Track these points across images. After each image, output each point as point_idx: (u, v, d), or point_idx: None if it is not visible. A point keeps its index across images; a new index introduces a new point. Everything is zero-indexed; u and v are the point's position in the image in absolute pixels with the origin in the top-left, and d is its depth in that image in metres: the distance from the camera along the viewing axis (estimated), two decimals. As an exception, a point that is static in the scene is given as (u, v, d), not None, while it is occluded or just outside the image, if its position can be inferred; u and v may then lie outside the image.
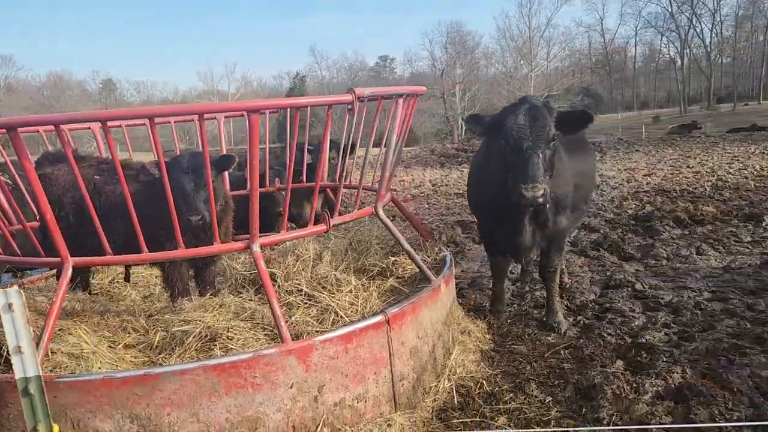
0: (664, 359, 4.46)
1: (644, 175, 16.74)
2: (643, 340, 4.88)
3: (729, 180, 14.29)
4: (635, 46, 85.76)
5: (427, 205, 13.88)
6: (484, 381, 4.29)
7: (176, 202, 3.72)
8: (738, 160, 19.12)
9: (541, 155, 4.23)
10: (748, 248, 7.60)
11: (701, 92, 75.74)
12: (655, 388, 4.04)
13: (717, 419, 3.61)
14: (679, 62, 75.45)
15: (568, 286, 6.50)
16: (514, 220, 4.83)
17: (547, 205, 4.88)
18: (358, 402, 3.60)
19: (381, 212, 4.37)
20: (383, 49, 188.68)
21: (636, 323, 5.37)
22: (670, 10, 72.82)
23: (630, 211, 10.55)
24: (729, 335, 4.91)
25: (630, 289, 6.26)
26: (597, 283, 6.63)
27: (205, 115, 3.64)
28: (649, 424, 3.61)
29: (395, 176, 21.80)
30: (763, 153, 20.79)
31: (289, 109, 5.14)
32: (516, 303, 6.15)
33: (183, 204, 3.85)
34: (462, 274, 7.46)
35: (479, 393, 4.18)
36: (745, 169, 16.29)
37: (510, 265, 5.87)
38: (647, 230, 8.71)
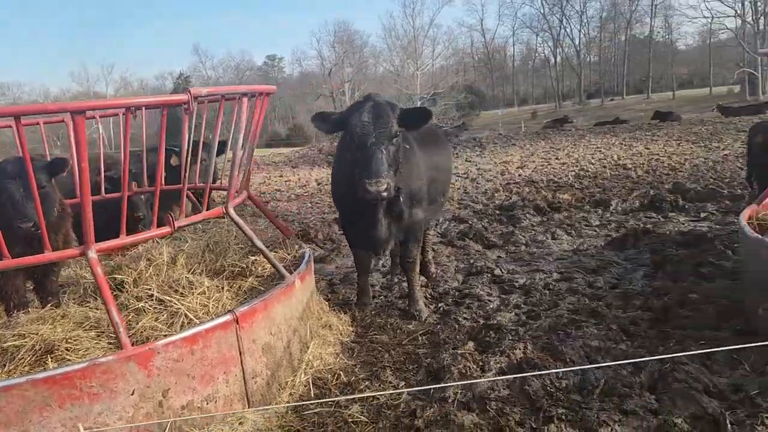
0: (510, 338, 4.79)
1: (517, 168, 17.71)
2: (494, 322, 5.20)
3: (589, 169, 15.46)
4: (513, 45, 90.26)
5: (310, 204, 13.89)
6: (341, 372, 4.41)
7: (4, 209, 3.53)
8: (600, 150, 20.67)
9: (384, 151, 4.40)
10: (595, 231, 8.29)
11: (573, 89, 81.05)
12: (498, 365, 4.33)
13: (548, 388, 3.94)
14: (553, 61, 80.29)
15: (434, 275, 6.79)
16: (369, 214, 4.98)
17: (401, 198, 5.09)
18: (207, 403, 3.58)
19: (232, 212, 4.36)
20: (271, 49, 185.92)
21: (491, 306, 5.71)
22: (542, 11, 77.38)
23: (498, 202, 11.16)
24: (569, 311, 5.35)
25: (489, 275, 6.64)
26: (461, 271, 6.97)
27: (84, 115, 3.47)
28: (488, 398, 3.88)
29: (280, 176, 21.63)
30: (622, 144, 22.61)
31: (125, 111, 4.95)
32: (383, 295, 6.34)
33: (12, 210, 3.65)
34: (336, 270, 7.57)
35: (336, 384, 4.29)
36: (605, 159, 17.67)
37: (373, 259, 6.04)
38: (510, 219, 9.27)
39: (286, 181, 19.96)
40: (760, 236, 4.53)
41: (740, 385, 3.72)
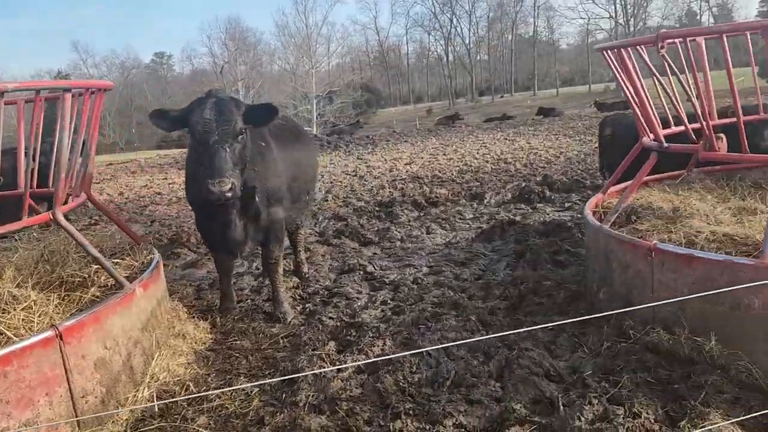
0: (371, 335, 4.76)
1: (405, 164, 17.95)
2: (359, 320, 5.16)
3: (472, 164, 15.95)
4: (407, 44, 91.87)
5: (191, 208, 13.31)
6: (191, 383, 4.19)
7: None
8: (485, 146, 21.41)
9: (228, 149, 4.23)
10: (468, 224, 8.52)
11: (466, 86, 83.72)
12: (356, 363, 4.29)
13: (401, 383, 3.93)
14: (446, 59, 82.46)
15: (306, 275, 6.68)
16: (222, 215, 4.78)
17: (257, 198, 4.93)
18: (26, 429, 3.26)
19: (61, 218, 4.02)
20: (160, 46, 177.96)
21: (358, 304, 5.67)
22: (433, 10, 79.27)
23: (380, 199, 11.22)
24: (433, 304, 5.41)
25: (362, 272, 6.61)
26: (334, 269, 6.90)
27: None
28: (340, 399, 3.82)
29: (164, 178, 20.66)
30: (506, 139, 23.55)
31: None
32: (251, 298, 6.15)
33: None
34: (207, 275, 7.27)
35: (184, 396, 4.06)
36: (488, 154, 18.31)
37: (233, 261, 5.83)
38: (389, 215, 9.34)
39: (169, 184, 19.10)
40: (598, 224, 4.77)
41: (577, 367, 3.89)
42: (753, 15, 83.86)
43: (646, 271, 4.13)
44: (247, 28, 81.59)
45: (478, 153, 18.96)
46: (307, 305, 5.77)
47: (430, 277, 6.28)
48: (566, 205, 9.02)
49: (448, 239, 7.81)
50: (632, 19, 65.72)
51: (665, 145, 4.63)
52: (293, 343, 4.89)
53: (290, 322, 5.36)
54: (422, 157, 19.58)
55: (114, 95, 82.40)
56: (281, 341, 4.95)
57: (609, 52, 4.54)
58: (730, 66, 4.03)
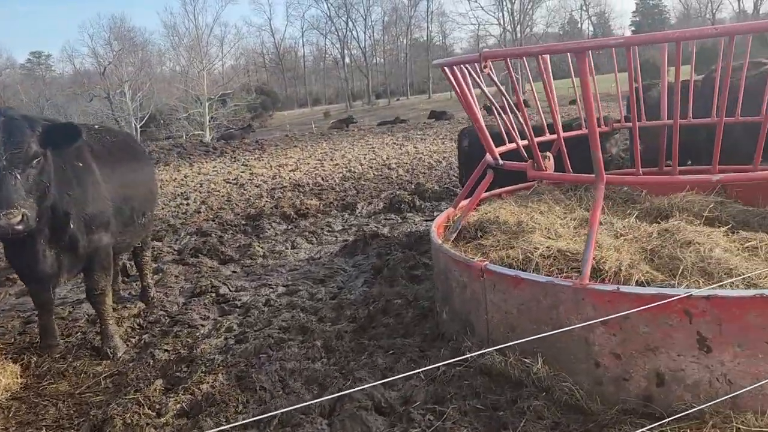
0: (204, 369, 4.40)
1: (290, 171, 17.54)
2: (197, 351, 4.77)
3: (356, 171, 15.81)
4: (303, 46, 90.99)
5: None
6: (-23, 442, 3.66)
7: None
8: (374, 151, 21.39)
9: (20, 176, 3.73)
10: (335, 237, 8.30)
11: (363, 89, 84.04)
12: (179, 405, 3.91)
13: (222, 426, 3.61)
14: (342, 62, 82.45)
15: (153, 300, 6.17)
16: (27, 245, 4.25)
17: (71, 225, 4.42)
18: None
19: None
20: (36, 45, 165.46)
21: (201, 332, 5.28)
22: (328, 13, 79.03)
23: (252, 210, 10.76)
24: (280, 329, 5.11)
25: (214, 295, 6.20)
26: (185, 292, 6.45)
27: None
28: (150, 450, 3.44)
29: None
30: (395, 143, 23.70)
31: None
32: (83, 330, 5.57)
33: None
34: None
35: (-33, 459, 3.53)
36: (374, 159, 18.27)
37: (50, 293, 5.22)
38: (255, 229, 8.94)
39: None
40: (439, 242, 4.67)
41: (409, 397, 3.73)
42: (627, 25, 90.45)
43: (479, 292, 4.05)
44: (133, 27, 77.46)
45: (365, 158, 18.87)
46: (143, 336, 5.30)
47: (284, 297, 5.98)
48: (435, 214, 9.01)
49: (311, 254, 7.54)
50: (518, 26, 68.62)
51: (500, 162, 4.60)
52: (117, 383, 4.44)
53: (120, 357, 4.88)
54: (309, 163, 19.25)
55: (-17, 97, 76.01)
56: (103, 382, 4.47)
57: (447, 68, 4.45)
58: (552, 82, 4.05)
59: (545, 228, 5.12)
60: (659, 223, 5.31)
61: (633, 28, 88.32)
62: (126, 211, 5.13)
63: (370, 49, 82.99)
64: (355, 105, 76.78)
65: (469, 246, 5.02)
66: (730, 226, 5.31)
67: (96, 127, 5.42)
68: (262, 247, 7.80)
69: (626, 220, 5.42)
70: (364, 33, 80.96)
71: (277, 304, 5.81)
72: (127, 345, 5.10)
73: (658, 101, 7.37)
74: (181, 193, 14.67)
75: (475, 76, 4.26)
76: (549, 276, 3.73)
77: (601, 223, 5.31)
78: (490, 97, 4.71)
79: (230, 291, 6.31)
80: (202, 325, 5.43)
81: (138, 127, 63.65)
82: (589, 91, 3.58)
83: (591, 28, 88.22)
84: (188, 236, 8.86)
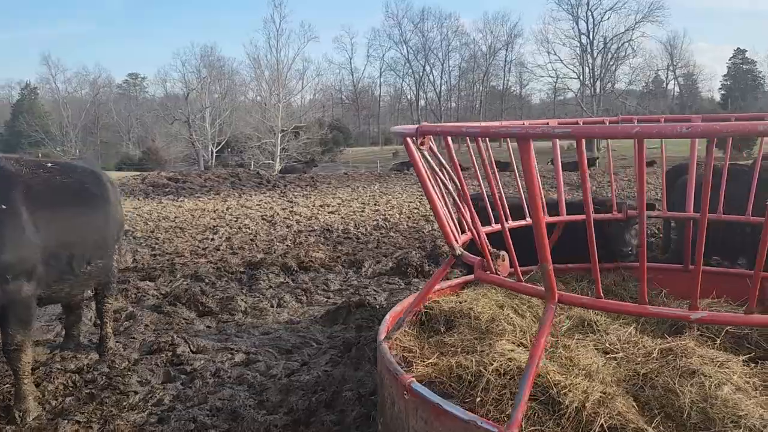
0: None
1: (330, 213, 17.18)
2: (108, 427, 4.24)
3: (392, 220, 15.22)
4: (380, 86, 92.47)
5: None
6: None
7: None
8: (421, 199, 20.78)
9: None
10: (327, 298, 7.68)
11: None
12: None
13: None
14: (416, 104, 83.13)
15: (110, 352, 5.72)
16: None
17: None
18: None
19: None
20: (132, 67, 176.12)
21: (129, 401, 4.74)
22: (407, 56, 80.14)
23: (269, 256, 10.30)
24: (210, 411, 4.52)
25: (169, 354, 5.69)
26: (144, 347, 5.97)
27: None
28: None
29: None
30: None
31: None
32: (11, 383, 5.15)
33: None
34: None
35: None
36: (418, 209, 17.62)
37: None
38: (250, 279, 8.44)
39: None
40: (382, 338, 3.97)
41: None
42: (716, 88, 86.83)
43: (404, 413, 3.32)
44: (222, 56, 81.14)
45: (408, 207, 18.29)
46: (67, 399, 4.81)
47: (238, 368, 5.39)
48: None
49: (294, 316, 6.93)
50: (599, 82, 67.06)
51: (457, 252, 3.89)
52: (4, 457, 3.95)
53: (28, 423, 4.40)
54: (351, 206, 18.85)
55: (80, 111, 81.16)
56: (-9, 454, 3.99)
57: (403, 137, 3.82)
58: (492, 165, 3.36)
59: (519, 331, 4.34)
60: (667, 338, 4.45)
61: (723, 92, 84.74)
62: (63, 258, 4.72)
63: (446, 94, 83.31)
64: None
65: (431, 341, 4.31)
66: (754, 352, 4.37)
67: (50, 164, 5.08)
68: (246, 302, 7.27)
69: (626, 329, 4.57)
70: (440, 78, 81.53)
71: (227, 375, 5.22)
72: (45, 408, 4.62)
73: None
74: (213, 226, 14.53)
75: (425, 151, 3.61)
76: (473, 414, 2.96)
77: (591, 331, 4.51)
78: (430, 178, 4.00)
79: (188, 352, 5.78)
80: (135, 393, 4.90)
81: (214, 151, 66.36)
82: (534, 179, 2.89)
83: (677, 89, 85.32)
84: (181, 280, 8.47)
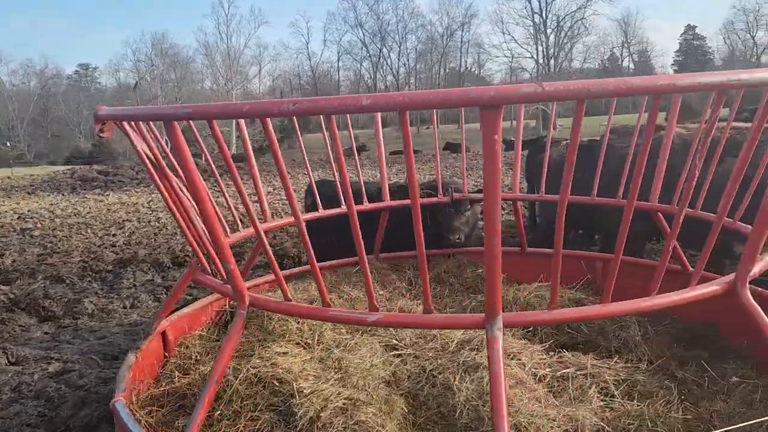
0: None
1: (254, 202, 16.63)
2: None
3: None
4: (338, 70, 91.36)
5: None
6: None
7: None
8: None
9: None
10: (192, 295, 7.24)
11: (395, 116, 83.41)
12: None
13: None
14: (374, 88, 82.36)
15: None
16: None
17: None
18: None
19: None
20: (82, 57, 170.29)
21: None
22: (363, 40, 79.24)
23: (150, 251, 9.73)
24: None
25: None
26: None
27: None
28: None
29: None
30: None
31: None
32: None
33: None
34: None
35: None
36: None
37: None
38: (116, 277, 7.95)
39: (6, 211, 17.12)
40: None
41: None
42: (669, 64, 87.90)
43: (118, 436, 2.96)
44: (175, 44, 79.09)
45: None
46: None
47: (45, 380, 4.95)
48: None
49: (145, 317, 6.50)
50: (553, 61, 67.23)
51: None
52: None
53: None
54: (281, 194, 18.38)
55: (28, 104, 78.48)
56: None
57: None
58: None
59: (308, 330, 4.02)
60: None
61: (675, 68, 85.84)
62: None
63: (404, 77, 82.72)
64: (384, 131, 76.19)
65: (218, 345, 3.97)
66: (557, 340, 4.13)
67: None
68: (96, 304, 6.81)
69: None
70: (398, 60, 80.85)
71: (28, 389, 4.78)
72: None
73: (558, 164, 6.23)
74: (122, 221, 13.93)
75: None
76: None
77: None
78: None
79: (4, 363, 5.33)
80: None
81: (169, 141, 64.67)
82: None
83: (632, 66, 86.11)
84: (43, 281, 7.95)
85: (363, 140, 47.22)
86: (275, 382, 3.16)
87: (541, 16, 67.23)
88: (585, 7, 66.98)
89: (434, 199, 5.35)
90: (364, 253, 2.69)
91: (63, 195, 21.35)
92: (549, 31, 67.14)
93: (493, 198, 2.10)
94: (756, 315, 2.40)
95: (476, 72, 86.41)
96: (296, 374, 3.19)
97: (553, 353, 3.80)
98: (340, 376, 3.26)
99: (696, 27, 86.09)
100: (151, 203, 17.37)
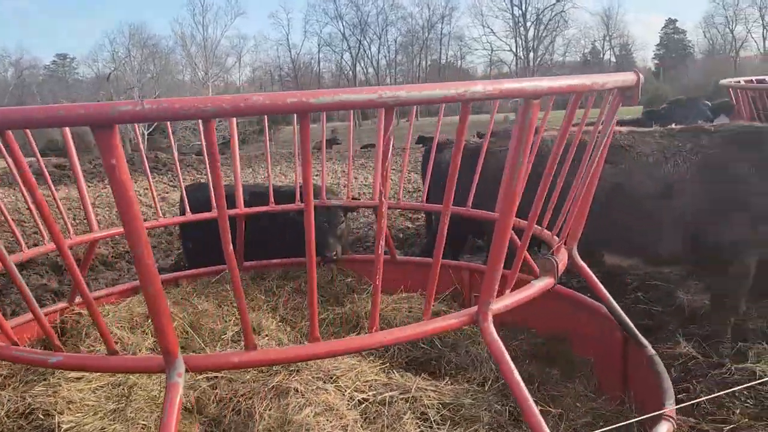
0: None
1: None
2: None
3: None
4: (318, 62, 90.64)
5: None
6: None
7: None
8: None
9: None
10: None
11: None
12: None
13: None
14: (353, 80, 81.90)
15: None
16: None
17: None
18: None
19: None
20: (60, 47, 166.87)
21: None
22: (343, 32, 78.66)
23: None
24: None
25: None
26: None
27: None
28: None
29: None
30: (333, 171, 22.22)
31: None
32: None
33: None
34: None
35: None
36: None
37: None
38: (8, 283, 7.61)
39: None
40: None
41: None
42: (650, 57, 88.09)
43: None
44: (155, 35, 77.93)
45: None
46: None
47: None
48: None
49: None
50: (532, 54, 67.13)
51: None
52: None
53: None
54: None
55: (3, 94, 77.10)
56: None
57: None
58: None
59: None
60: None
61: (656, 61, 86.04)
62: None
63: (385, 69, 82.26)
64: (365, 123, 75.64)
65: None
66: (409, 355, 3.87)
67: None
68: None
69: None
70: (378, 53, 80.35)
71: None
72: None
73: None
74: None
75: None
76: None
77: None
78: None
79: None
80: None
81: (146, 134, 63.98)
82: None
83: (613, 59, 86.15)
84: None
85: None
86: (40, 415, 2.86)
87: (520, 8, 67.05)
88: (564, 1, 66.88)
89: (292, 206, 5.01)
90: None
91: (14, 189, 20.78)
92: (528, 24, 66.97)
93: (134, 228, 1.78)
94: (495, 350, 2.13)
95: (459, 64, 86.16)
96: (66, 406, 2.89)
97: (385, 374, 3.54)
98: (118, 406, 2.97)
99: (677, 21, 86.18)
100: (99, 198, 16.93)
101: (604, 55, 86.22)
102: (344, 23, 77.73)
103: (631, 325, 3.39)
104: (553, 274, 2.60)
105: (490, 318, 2.14)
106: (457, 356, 3.83)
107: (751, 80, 8.93)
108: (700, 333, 4.77)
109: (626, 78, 2.41)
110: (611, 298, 3.29)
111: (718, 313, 4.70)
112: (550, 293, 2.73)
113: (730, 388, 3.36)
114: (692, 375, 4.14)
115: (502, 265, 2.19)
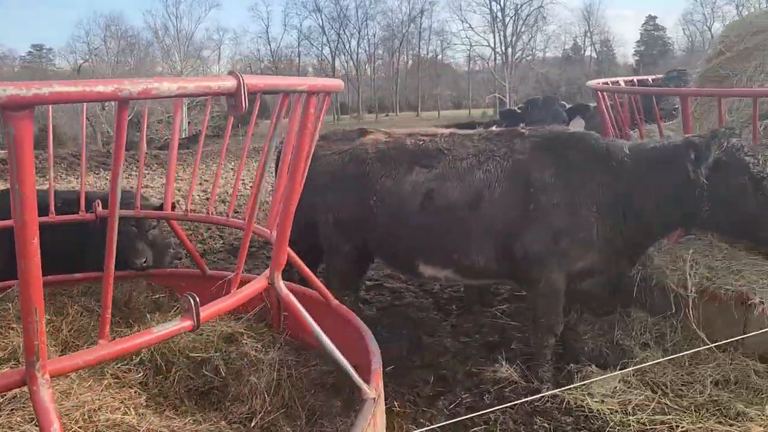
0: None
1: (154, 197, 15.80)
2: None
3: (198, 200, 14.08)
4: (299, 55, 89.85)
5: None
6: None
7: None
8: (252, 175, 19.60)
9: None
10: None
11: (359, 103, 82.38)
12: None
13: None
14: (333, 74, 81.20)
15: None
16: None
17: None
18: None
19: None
20: (37, 37, 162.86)
21: None
22: (322, 25, 78.01)
23: None
24: None
25: None
26: None
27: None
28: None
29: None
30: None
31: None
32: None
33: None
34: None
35: None
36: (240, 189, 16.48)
37: None
38: None
39: None
40: None
41: None
42: (631, 53, 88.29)
43: None
44: (133, 27, 76.70)
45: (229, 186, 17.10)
46: None
47: None
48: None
49: None
50: (510, 49, 66.94)
51: None
52: None
53: None
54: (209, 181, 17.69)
55: (-26, 88, 75.33)
56: None
57: None
58: None
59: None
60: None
61: (636, 58, 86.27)
62: None
63: (364, 64, 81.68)
64: (343, 118, 75.03)
65: None
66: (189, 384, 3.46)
67: None
68: None
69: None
70: (358, 46, 79.73)
71: None
72: None
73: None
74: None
75: None
76: None
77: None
78: None
79: None
80: None
81: (118, 126, 62.68)
82: None
83: (594, 55, 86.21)
84: None
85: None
86: None
87: (499, 3, 66.77)
88: (543, -4, 66.70)
89: (75, 217, 4.48)
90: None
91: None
92: (507, 19, 66.71)
93: None
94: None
95: (440, 59, 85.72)
96: None
97: (127, 409, 3.02)
98: None
99: (657, 17, 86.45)
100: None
101: (585, 51, 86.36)
102: (323, 16, 76.98)
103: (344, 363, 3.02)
104: (191, 316, 2.17)
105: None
106: (239, 385, 3.34)
107: (633, 81, 8.37)
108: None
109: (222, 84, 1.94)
110: (320, 332, 2.91)
111: (535, 334, 4.42)
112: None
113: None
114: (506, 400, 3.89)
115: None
